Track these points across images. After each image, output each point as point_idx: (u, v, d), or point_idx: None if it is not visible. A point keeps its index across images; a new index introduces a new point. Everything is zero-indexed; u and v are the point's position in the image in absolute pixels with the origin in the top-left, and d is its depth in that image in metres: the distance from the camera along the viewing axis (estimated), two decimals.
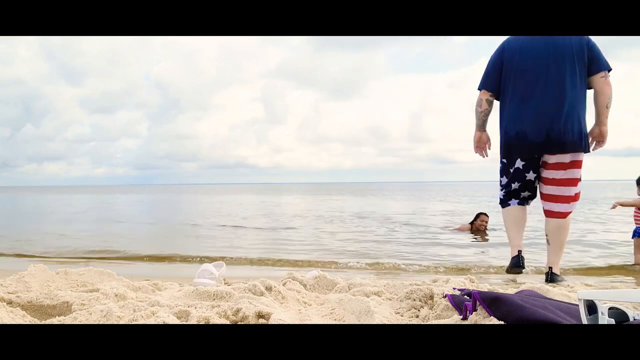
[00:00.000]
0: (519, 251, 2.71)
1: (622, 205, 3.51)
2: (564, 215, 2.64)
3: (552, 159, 2.62)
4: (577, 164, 2.60)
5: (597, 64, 2.53)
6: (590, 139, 2.62)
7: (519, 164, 2.69)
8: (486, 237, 5.43)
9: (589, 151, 2.60)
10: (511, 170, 2.74)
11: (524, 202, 2.78)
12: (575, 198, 2.65)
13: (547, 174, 2.67)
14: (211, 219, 9.39)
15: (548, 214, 2.71)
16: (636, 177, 3.55)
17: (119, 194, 32.59)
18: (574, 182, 2.62)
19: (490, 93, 2.75)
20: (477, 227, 5.87)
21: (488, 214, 6.04)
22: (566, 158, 2.59)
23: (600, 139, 2.63)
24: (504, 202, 2.84)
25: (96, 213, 11.92)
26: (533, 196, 2.80)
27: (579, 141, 2.53)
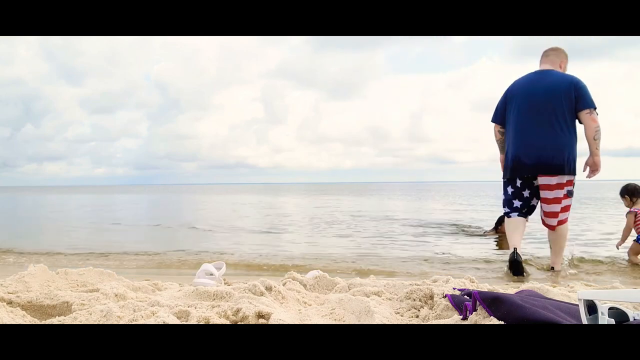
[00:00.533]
0: (515, 248, 3.03)
1: (624, 241, 3.71)
2: (552, 227, 3.12)
3: (542, 180, 3.04)
4: (562, 186, 2.99)
5: (582, 102, 2.91)
6: (586, 167, 3.03)
7: (518, 182, 3.15)
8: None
9: (574, 174, 2.99)
10: (512, 188, 3.19)
11: (523, 215, 3.19)
12: (562, 211, 3.04)
13: (540, 193, 3.12)
14: (211, 219, 9.39)
15: (544, 225, 3.18)
16: (620, 190, 3.85)
17: (118, 194, 32.59)
18: (560, 200, 3.02)
19: (499, 126, 3.29)
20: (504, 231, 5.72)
21: None
22: (553, 180, 2.99)
23: (594, 168, 3.02)
24: (507, 214, 3.26)
25: (96, 213, 11.92)
26: (530, 211, 3.21)
27: (562, 165, 2.94)
